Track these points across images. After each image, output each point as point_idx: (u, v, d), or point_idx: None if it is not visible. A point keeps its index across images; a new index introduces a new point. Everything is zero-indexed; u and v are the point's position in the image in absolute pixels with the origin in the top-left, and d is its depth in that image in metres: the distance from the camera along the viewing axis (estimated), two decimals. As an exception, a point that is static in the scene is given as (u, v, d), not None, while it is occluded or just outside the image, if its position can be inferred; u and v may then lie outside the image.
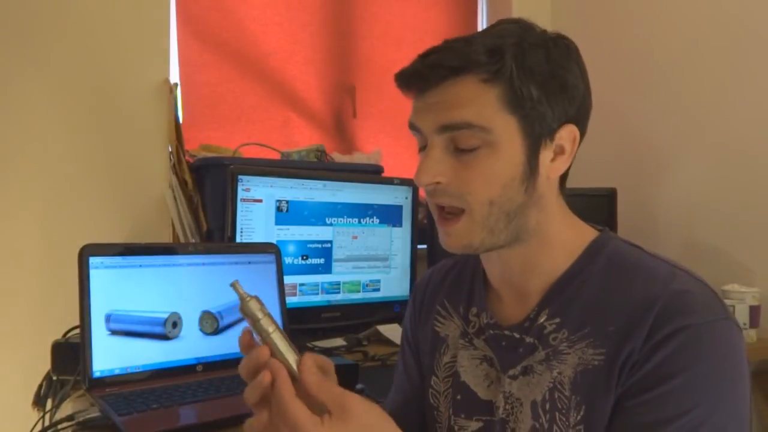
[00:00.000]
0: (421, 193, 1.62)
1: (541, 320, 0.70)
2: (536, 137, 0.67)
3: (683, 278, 0.65)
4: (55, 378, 1.11)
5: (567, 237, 0.72)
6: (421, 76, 0.67)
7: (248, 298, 0.61)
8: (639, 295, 0.64)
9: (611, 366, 0.63)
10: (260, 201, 1.39)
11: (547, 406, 0.66)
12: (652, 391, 0.59)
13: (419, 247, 1.63)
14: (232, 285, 0.61)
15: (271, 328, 0.61)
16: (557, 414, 0.65)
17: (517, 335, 0.71)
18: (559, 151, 0.69)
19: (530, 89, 0.65)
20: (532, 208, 0.68)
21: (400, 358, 0.90)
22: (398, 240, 1.60)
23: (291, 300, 1.39)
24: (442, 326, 0.82)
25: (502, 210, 0.66)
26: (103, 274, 1.01)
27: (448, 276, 0.86)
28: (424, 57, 0.67)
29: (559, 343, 0.67)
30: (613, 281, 0.67)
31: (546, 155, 0.68)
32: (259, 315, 0.61)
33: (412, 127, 0.70)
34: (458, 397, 0.76)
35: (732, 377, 0.61)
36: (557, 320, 0.69)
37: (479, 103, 0.64)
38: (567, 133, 0.68)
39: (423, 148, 0.69)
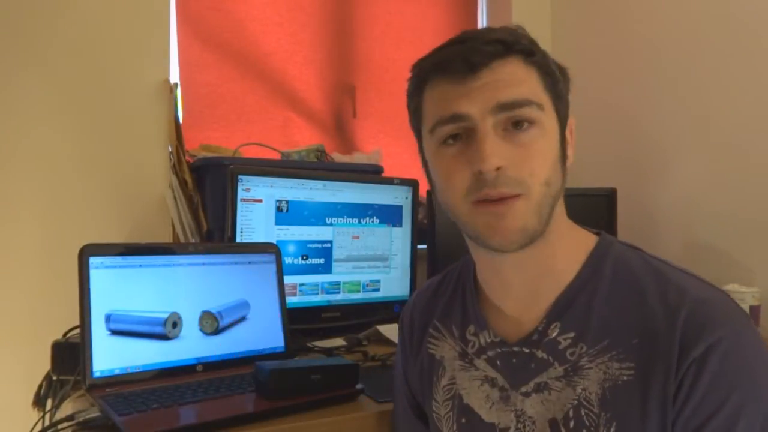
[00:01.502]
0: (422, 192, 1.62)
1: (553, 335, 0.68)
2: (563, 120, 0.68)
3: (695, 283, 0.65)
4: (55, 378, 1.11)
5: (571, 239, 0.71)
6: (477, 52, 0.64)
7: None
8: (657, 305, 0.63)
9: (645, 384, 0.61)
10: (260, 201, 1.39)
11: (572, 423, 0.64)
12: (713, 421, 0.58)
13: (419, 247, 1.63)
14: None
15: None
16: (584, 431, 0.64)
17: (526, 350, 0.69)
18: (567, 140, 0.70)
19: (557, 72, 0.68)
20: (561, 197, 0.68)
21: (399, 401, 0.88)
22: (398, 240, 1.60)
23: (291, 300, 1.39)
24: (436, 348, 0.80)
25: (550, 193, 0.65)
26: (103, 274, 1.01)
27: (436, 295, 0.84)
28: (464, 40, 0.66)
29: (578, 358, 0.66)
30: (624, 289, 0.66)
31: (566, 141, 0.69)
32: None
33: (453, 118, 0.65)
34: (463, 420, 0.74)
35: None
36: (572, 334, 0.67)
37: (530, 80, 0.65)
38: (570, 123, 0.70)
39: (453, 138, 0.66)
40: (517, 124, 0.64)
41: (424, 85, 0.70)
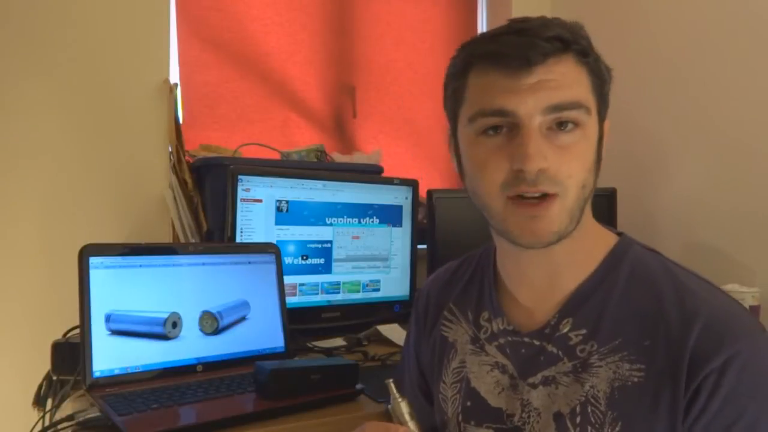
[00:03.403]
0: (422, 192, 1.62)
1: (564, 330, 0.68)
2: (602, 122, 0.68)
3: (713, 292, 0.65)
4: (55, 378, 1.11)
5: (593, 237, 0.71)
6: (536, 48, 0.61)
7: (400, 399, 0.64)
8: (673, 310, 0.63)
9: (655, 388, 0.61)
10: (260, 201, 1.39)
11: (578, 419, 0.64)
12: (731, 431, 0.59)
13: (419, 247, 1.63)
14: (387, 383, 0.65)
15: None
16: (589, 428, 0.64)
17: (537, 342, 0.70)
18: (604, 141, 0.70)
19: (605, 75, 0.67)
20: (591, 199, 0.68)
21: (405, 380, 0.88)
22: (398, 240, 1.60)
23: (291, 300, 1.39)
24: (450, 331, 0.80)
25: (584, 195, 0.65)
26: (103, 274, 1.01)
27: (453, 279, 0.84)
28: (523, 32, 0.63)
29: (588, 355, 0.66)
30: (640, 291, 0.66)
31: (602, 142, 0.69)
32: (407, 418, 0.64)
33: (498, 112, 0.63)
34: (468, 403, 0.74)
35: None
36: (583, 331, 0.67)
37: (581, 82, 0.64)
38: (606, 124, 0.70)
39: (494, 129, 0.64)
40: (562, 125, 0.63)
41: (469, 69, 0.67)
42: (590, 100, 0.64)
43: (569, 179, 0.63)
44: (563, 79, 0.62)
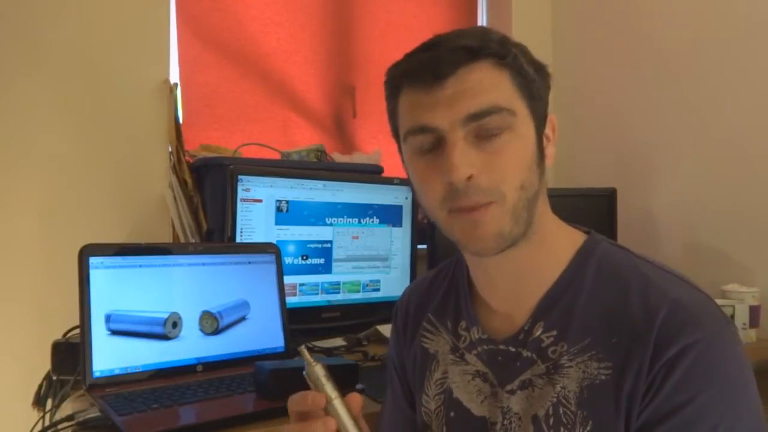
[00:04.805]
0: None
1: (537, 333, 0.68)
2: (539, 120, 0.67)
3: (678, 285, 0.65)
4: (55, 378, 1.11)
5: (558, 238, 0.71)
6: (442, 61, 0.63)
7: (314, 363, 0.63)
8: (638, 305, 0.63)
9: (619, 383, 0.61)
10: (260, 201, 1.39)
11: (551, 421, 0.65)
12: (675, 417, 0.58)
13: (419, 247, 1.63)
14: (300, 350, 0.65)
15: (333, 394, 0.64)
16: (562, 429, 0.64)
17: (512, 349, 0.70)
18: (549, 138, 0.70)
19: (531, 72, 0.66)
20: (540, 197, 0.67)
21: (389, 387, 0.88)
22: (398, 240, 1.60)
23: (291, 300, 1.39)
24: (430, 342, 0.80)
25: (526, 196, 0.64)
26: (103, 274, 1.01)
27: (431, 290, 0.84)
28: (431, 47, 0.65)
29: (559, 356, 0.66)
30: (607, 289, 0.66)
31: (544, 140, 0.68)
32: (323, 381, 0.63)
33: (422, 129, 0.65)
34: (452, 414, 0.74)
35: (745, 384, 0.61)
36: (554, 333, 0.67)
37: (500, 86, 0.64)
38: (550, 120, 0.70)
39: (429, 149, 0.65)
40: (489, 131, 0.63)
41: (398, 90, 0.69)
42: (514, 101, 0.64)
43: (503, 184, 0.63)
44: (479, 87, 0.63)
